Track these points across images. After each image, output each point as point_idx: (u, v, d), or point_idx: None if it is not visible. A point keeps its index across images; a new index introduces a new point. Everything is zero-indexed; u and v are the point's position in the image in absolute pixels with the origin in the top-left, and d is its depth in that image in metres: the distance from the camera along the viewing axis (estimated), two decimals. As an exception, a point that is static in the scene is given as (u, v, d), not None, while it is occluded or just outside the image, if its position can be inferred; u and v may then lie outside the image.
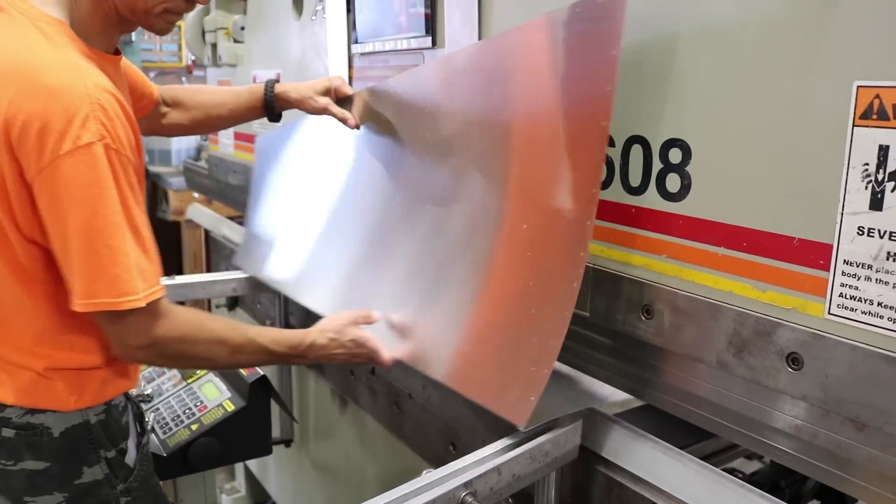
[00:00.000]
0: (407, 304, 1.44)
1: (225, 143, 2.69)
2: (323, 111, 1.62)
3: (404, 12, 1.56)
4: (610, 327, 1.17)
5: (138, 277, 1.21)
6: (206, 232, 3.73)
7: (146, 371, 1.70)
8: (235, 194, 2.66)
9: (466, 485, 1.03)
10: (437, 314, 1.38)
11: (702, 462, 1.09)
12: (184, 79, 5.14)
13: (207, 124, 1.80)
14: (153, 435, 1.47)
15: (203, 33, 2.81)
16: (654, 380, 1.15)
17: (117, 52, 1.39)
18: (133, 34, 4.51)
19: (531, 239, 1.18)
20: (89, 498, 1.37)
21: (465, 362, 1.31)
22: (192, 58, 5.20)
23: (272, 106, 1.68)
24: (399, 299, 1.48)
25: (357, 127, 1.59)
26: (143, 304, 1.21)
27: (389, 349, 1.43)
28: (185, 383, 1.61)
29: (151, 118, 1.73)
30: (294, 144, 1.97)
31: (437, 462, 1.50)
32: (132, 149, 1.24)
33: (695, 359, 1.04)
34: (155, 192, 4.55)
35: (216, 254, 2.94)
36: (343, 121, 1.59)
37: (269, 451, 1.64)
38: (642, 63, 1.06)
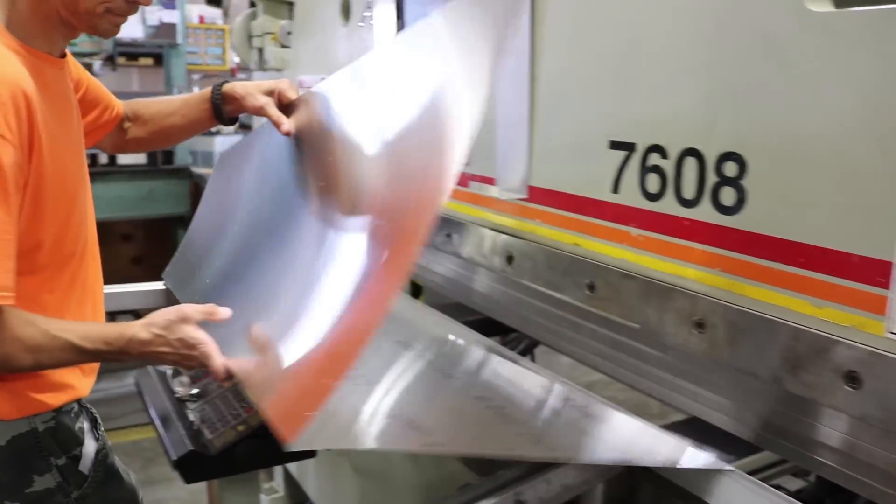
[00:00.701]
0: (262, 319, 1.36)
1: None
2: (259, 111, 1.56)
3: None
4: (660, 340, 1.16)
5: None
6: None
7: (193, 371, 1.72)
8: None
9: (516, 493, 1.03)
10: (272, 330, 1.30)
11: (750, 477, 1.09)
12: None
13: (164, 136, 1.76)
14: (201, 433, 1.48)
15: (250, 38, 2.84)
16: (704, 394, 1.14)
17: (63, 56, 1.38)
18: (179, 38, 4.57)
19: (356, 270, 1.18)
20: None
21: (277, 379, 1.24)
22: (237, 61, 5.27)
23: (219, 106, 1.62)
24: (257, 314, 1.39)
25: (289, 133, 1.52)
26: None
27: (230, 358, 1.27)
28: (231, 383, 1.62)
29: (116, 134, 1.71)
30: (242, 157, 1.93)
31: (479, 468, 1.51)
32: (20, 149, 1.22)
33: (747, 373, 1.03)
34: (198, 192, 4.61)
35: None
36: (276, 124, 1.53)
37: (313, 454, 1.65)
38: (697, 74, 1.06)
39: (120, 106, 1.70)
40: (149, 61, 5.72)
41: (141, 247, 5.05)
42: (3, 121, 1.18)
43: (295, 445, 1.02)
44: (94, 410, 1.51)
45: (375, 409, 1.24)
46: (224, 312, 1.32)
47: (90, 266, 1.46)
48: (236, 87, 1.60)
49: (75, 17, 1.32)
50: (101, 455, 1.46)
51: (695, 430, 1.26)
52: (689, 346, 1.11)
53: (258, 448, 1.46)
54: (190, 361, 1.29)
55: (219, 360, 1.26)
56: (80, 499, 1.40)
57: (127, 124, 1.73)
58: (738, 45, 1.01)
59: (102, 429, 1.52)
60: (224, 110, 1.62)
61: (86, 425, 1.44)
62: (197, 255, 1.76)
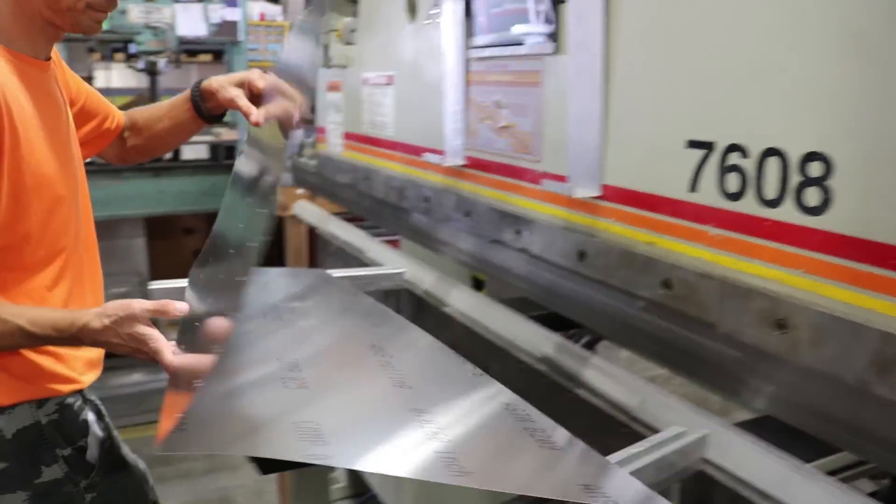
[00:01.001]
0: None
1: (334, 142, 2.75)
2: (230, 102, 1.56)
3: (524, 17, 1.57)
4: (738, 339, 1.15)
5: None
6: (311, 229, 3.82)
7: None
8: (344, 192, 2.71)
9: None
10: None
11: (836, 481, 1.07)
12: (287, 77, 5.25)
13: (159, 141, 1.77)
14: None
15: (314, 35, 2.87)
16: (784, 394, 1.12)
17: (48, 59, 1.44)
18: (240, 35, 4.63)
19: None
20: (52, 495, 1.42)
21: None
22: (296, 56, 5.32)
23: (199, 104, 1.63)
24: None
25: (258, 124, 1.50)
26: None
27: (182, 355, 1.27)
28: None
29: (118, 144, 1.75)
30: None
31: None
32: None
33: (831, 376, 1.02)
34: (260, 188, 4.68)
35: (322, 251, 3.01)
36: (245, 115, 1.52)
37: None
38: (780, 71, 1.05)
39: (121, 116, 1.75)
40: (208, 57, 5.81)
41: (202, 240, 5.12)
42: None
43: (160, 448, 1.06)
44: (98, 402, 1.56)
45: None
46: (176, 307, 1.31)
47: (85, 259, 1.51)
48: (212, 81, 1.61)
49: (58, 15, 1.36)
50: (107, 445, 1.51)
51: (767, 429, 1.25)
52: (768, 347, 1.09)
53: (332, 443, 1.48)
54: (141, 355, 1.29)
55: (168, 357, 1.26)
56: (89, 487, 1.46)
57: (126, 133, 1.77)
58: (826, 42, 0.99)
59: (108, 419, 1.57)
60: (203, 108, 1.64)
61: (90, 416, 1.49)
62: None
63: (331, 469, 2.23)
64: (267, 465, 1.49)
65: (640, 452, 1.14)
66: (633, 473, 1.09)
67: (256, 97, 1.55)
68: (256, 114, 1.50)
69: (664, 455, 1.14)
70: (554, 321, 1.71)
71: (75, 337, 1.33)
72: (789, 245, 1.06)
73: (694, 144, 1.19)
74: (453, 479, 1.02)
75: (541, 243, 1.57)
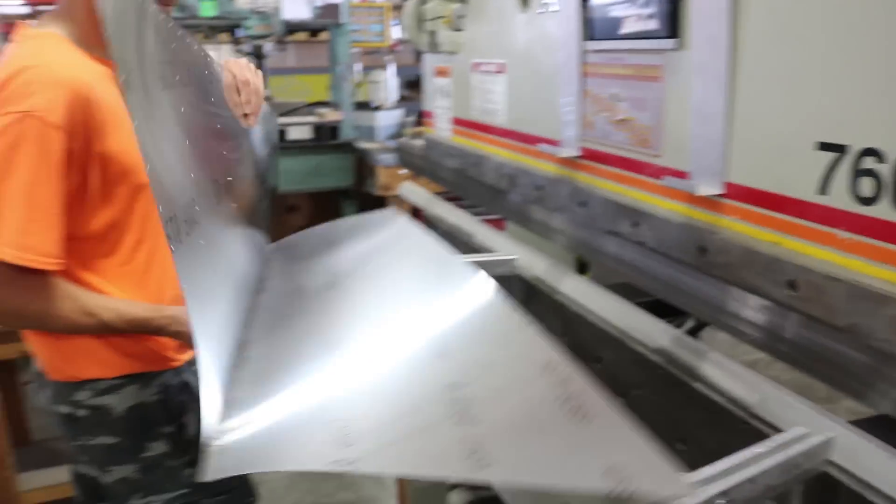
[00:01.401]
0: None
1: (442, 126, 2.79)
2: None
3: (644, 9, 1.57)
4: (867, 343, 1.15)
5: (7, 236, 1.37)
6: (415, 209, 3.88)
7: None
8: (449, 175, 2.76)
9: (724, 493, 1.06)
10: None
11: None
12: (387, 58, 5.32)
13: None
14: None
15: (421, 21, 2.91)
16: (915, 400, 1.12)
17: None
18: (343, 17, 4.71)
19: None
20: (159, 468, 1.55)
21: None
22: (396, 37, 5.39)
23: None
24: None
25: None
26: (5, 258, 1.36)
27: None
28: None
29: None
30: None
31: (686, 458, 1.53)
32: (80, 136, 1.41)
33: (968, 385, 1.01)
34: (362, 167, 4.77)
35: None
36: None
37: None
38: (923, 79, 1.03)
39: None
40: (304, 36, 5.92)
41: (307, 217, 5.29)
42: (57, 112, 1.34)
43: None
44: (194, 382, 1.66)
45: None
46: None
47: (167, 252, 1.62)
48: None
49: None
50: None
51: (883, 427, 1.24)
52: (899, 352, 1.09)
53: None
54: None
55: None
56: (190, 462, 1.56)
57: None
58: (971, 50, 0.97)
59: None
60: None
61: (188, 396, 1.60)
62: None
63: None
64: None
65: (765, 453, 1.16)
66: (758, 475, 1.11)
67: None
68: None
69: (789, 457, 1.15)
70: (657, 307, 1.72)
71: (161, 328, 1.50)
72: (927, 252, 1.05)
73: (825, 147, 1.18)
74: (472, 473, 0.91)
75: (659, 237, 1.58)
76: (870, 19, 1.10)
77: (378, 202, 4.60)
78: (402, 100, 5.60)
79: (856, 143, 1.14)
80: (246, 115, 1.67)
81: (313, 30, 5.49)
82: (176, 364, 1.63)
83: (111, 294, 1.53)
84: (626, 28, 1.64)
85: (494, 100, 2.31)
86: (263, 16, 4.27)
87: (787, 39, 1.25)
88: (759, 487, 1.11)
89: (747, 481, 1.09)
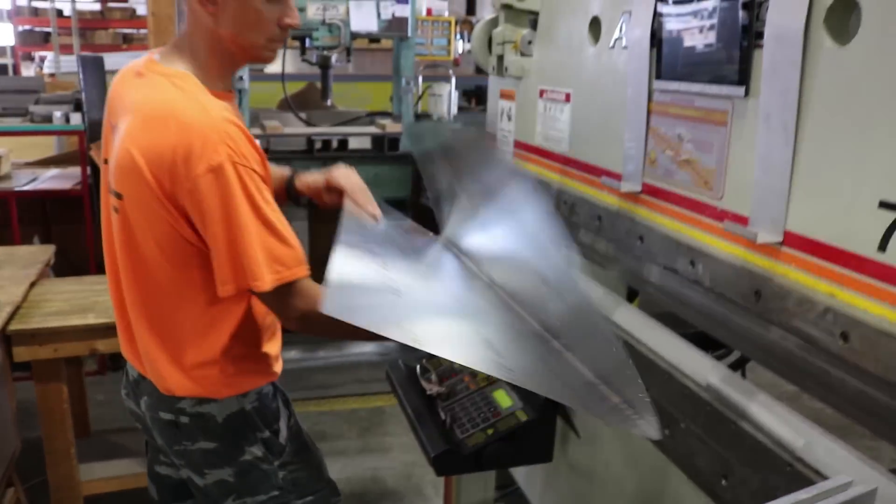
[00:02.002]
0: None
1: (503, 149, 2.85)
2: (335, 205, 1.84)
3: (715, 56, 1.61)
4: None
5: (266, 266, 1.49)
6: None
7: (440, 370, 1.89)
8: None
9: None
10: None
11: None
12: (451, 71, 5.40)
13: None
14: (451, 433, 1.64)
15: (489, 44, 2.98)
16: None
17: (230, 91, 1.71)
18: (409, 31, 4.79)
19: None
20: (254, 471, 1.64)
21: None
22: (460, 51, 5.46)
23: (290, 187, 1.94)
24: None
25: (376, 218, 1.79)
26: (269, 288, 1.43)
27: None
28: (477, 387, 1.78)
29: None
30: None
31: (709, 491, 1.57)
32: (257, 162, 1.53)
33: None
34: (419, 179, 4.84)
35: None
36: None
37: (550, 459, 1.78)
38: None
39: None
40: (363, 42, 6.02)
41: (361, 225, 5.35)
42: (244, 154, 1.45)
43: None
44: (284, 390, 1.75)
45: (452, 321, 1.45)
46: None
47: None
48: (304, 179, 1.95)
49: (244, 51, 1.63)
50: (294, 429, 1.71)
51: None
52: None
53: (505, 450, 1.60)
54: None
55: None
56: (282, 465, 1.67)
57: None
58: None
59: (292, 406, 1.77)
60: (293, 191, 1.97)
61: (279, 404, 1.69)
62: None
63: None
64: (443, 470, 1.63)
65: (808, 499, 1.19)
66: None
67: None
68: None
69: (832, 505, 1.19)
70: (702, 340, 1.76)
71: None
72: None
73: (886, 206, 1.22)
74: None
75: (716, 277, 1.62)
76: (938, 87, 1.14)
77: (432, 214, 4.67)
78: (461, 110, 5.68)
79: (917, 205, 1.17)
80: (374, 216, 1.86)
81: (374, 39, 5.60)
82: (273, 378, 1.73)
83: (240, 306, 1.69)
84: (696, 71, 1.68)
85: (558, 127, 2.36)
86: (332, 27, 4.38)
87: (855, 97, 1.29)
88: (799, 528, 1.15)
89: (787, 520, 1.13)
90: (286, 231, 1.55)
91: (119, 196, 1.58)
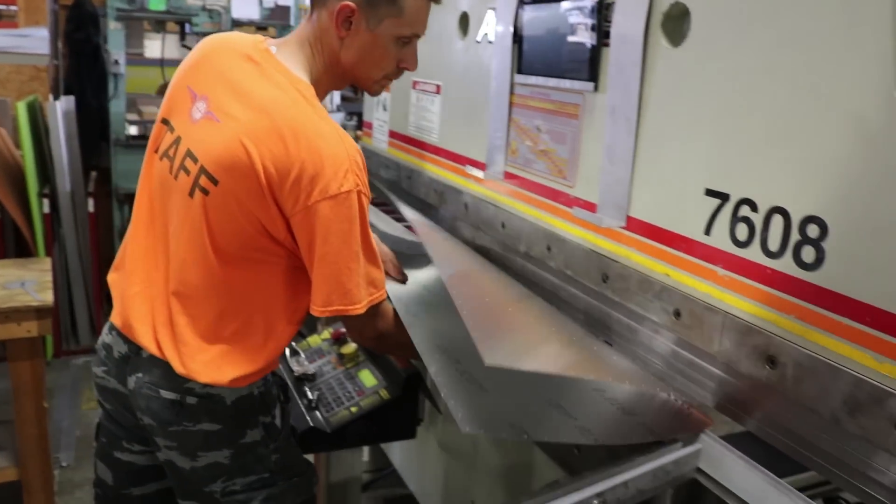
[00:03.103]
0: None
1: (379, 138, 2.91)
2: None
3: (568, 53, 1.72)
4: (734, 368, 1.31)
5: (364, 289, 1.50)
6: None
7: (309, 352, 1.93)
8: (385, 187, 2.88)
9: (599, 495, 1.20)
10: None
11: (806, 499, 1.23)
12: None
13: None
14: (316, 412, 1.69)
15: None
16: (769, 419, 1.28)
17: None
18: (291, 20, 4.79)
19: None
20: (249, 454, 1.64)
21: None
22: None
23: None
24: None
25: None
26: (363, 310, 1.46)
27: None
28: (343, 368, 1.83)
29: None
30: None
31: (562, 462, 1.68)
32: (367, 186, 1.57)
33: (810, 410, 1.17)
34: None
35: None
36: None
37: (413, 436, 1.85)
38: (792, 140, 1.20)
39: None
40: (251, 30, 5.96)
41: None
42: (366, 183, 1.51)
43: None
44: (284, 377, 1.78)
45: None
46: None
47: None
48: None
49: (356, 80, 1.64)
50: (287, 414, 1.72)
51: (749, 444, 1.40)
52: (760, 378, 1.25)
53: (369, 428, 1.66)
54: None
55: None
56: (276, 450, 1.67)
57: None
58: (831, 120, 1.14)
59: (290, 390, 1.78)
60: None
61: (277, 389, 1.71)
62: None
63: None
64: (308, 447, 1.67)
65: (640, 460, 1.31)
66: (633, 480, 1.26)
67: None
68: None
69: (660, 464, 1.30)
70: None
71: None
72: (786, 293, 1.21)
73: (711, 193, 1.34)
74: None
75: (569, 261, 1.73)
76: (752, 89, 1.26)
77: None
78: (346, 100, 5.69)
79: (736, 193, 1.30)
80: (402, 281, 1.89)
81: (259, 26, 5.54)
82: (275, 367, 1.73)
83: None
84: (552, 67, 1.78)
85: (430, 118, 2.44)
86: (213, 13, 4.33)
87: (687, 96, 1.41)
88: (631, 491, 1.26)
89: (621, 485, 1.24)
90: (378, 255, 1.60)
91: (214, 181, 1.52)
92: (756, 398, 1.30)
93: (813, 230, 1.16)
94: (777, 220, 1.22)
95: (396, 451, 2.91)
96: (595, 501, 1.20)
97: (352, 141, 1.53)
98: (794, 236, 1.19)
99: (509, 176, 1.98)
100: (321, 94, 1.62)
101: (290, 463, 1.71)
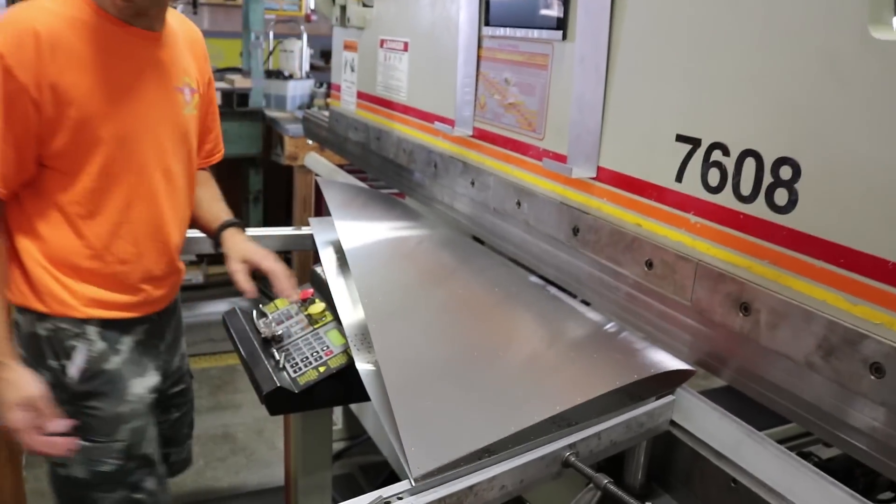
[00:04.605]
0: None
1: (347, 100, 2.85)
2: (232, 274, 1.88)
3: (536, 3, 1.67)
4: (709, 317, 1.28)
5: None
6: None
7: (276, 314, 1.89)
8: (354, 149, 2.83)
9: (571, 446, 1.18)
10: None
11: (780, 447, 1.21)
12: (302, 27, 5.31)
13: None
14: (283, 373, 1.65)
15: (334, -6, 2.95)
16: (744, 368, 1.26)
17: (147, 29, 1.73)
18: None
19: None
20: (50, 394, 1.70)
21: None
22: (311, 7, 5.38)
23: (217, 244, 2.00)
24: None
25: (246, 293, 1.84)
26: None
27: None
28: (312, 328, 1.79)
29: None
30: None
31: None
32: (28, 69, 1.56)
33: (784, 355, 1.15)
34: (270, 135, 4.77)
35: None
36: (243, 290, 1.84)
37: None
38: (762, 82, 1.16)
39: (214, 156, 2.22)
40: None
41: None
42: (11, 51, 1.48)
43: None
44: (100, 340, 1.81)
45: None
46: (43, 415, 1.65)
47: (145, 211, 1.81)
48: (227, 242, 1.97)
49: None
50: (88, 374, 1.71)
51: (729, 398, 1.39)
52: (734, 326, 1.23)
53: (336, 388, 1.62)
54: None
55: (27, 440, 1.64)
56: (67, 402, 1.67)
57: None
58: (803, 61, 1.10)
59: (109, 356, 1.76)
60: (217, 245, 2.01)
61: (81, 345, 1.69)
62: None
63: (330, 410, 2.39)
64: (276, 409, 1.64)
65: (614, 413, 1.28)
66: (605, 431, 1.24)
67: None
68: (249, 292, 1.83)
69: (633, 416, 1.28)
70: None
71: None
72: (758, 238, 1.18)
73: (682, 139, 1.31)
74: None
75: (539, 216, 1.69)
76: (723, 31, 1.23)
77: (285, 171, 4.62)
78: (315, 69, 5.61)
79: (707, 138, 1.26)
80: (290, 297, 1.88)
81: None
82: (75, 314, 1.72)
83: (49, 234, 1.69)
84: (520, 17, 1.73)
85: (398, 77, 2.38)
86: (178, -23, 4.23)
87: (656, 41, 1.37)
88: (604, 443, 1.24)
89: (594, 436, 1.22)
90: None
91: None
92: (730, 347, 1.28)
93: (786, 172, 1.13)
94: (749, 164, 1.19)
95: (370, 418, 2.88)
96: (567, 453, 1.17)
97: (41, 9, 1.60)
98: (767, 179, 1.16)
99: (478, 131, 1.94)
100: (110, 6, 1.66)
101: (92, 426, 1.77)
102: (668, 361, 1.36)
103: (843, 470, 1.58)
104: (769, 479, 1.19)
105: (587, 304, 1.64)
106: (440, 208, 2.21)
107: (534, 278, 1.78)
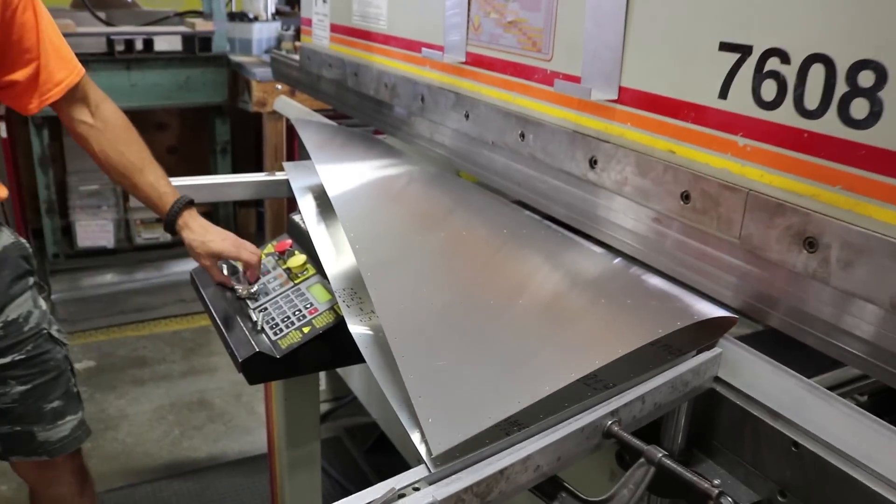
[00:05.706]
0: None
1: (320, 35, 2.61)
2: (206, 269, 1.71)
3: None
4: (763, 256, 1.10)
5: None
6: (290, 126, 3.69)
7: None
8: (329, 88, 2.60)
9: (613, 413, 0.99)
10: None
11: (852, 405, 1.04)
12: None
13: (117, 177, 1.76)
14: (262, 335, 1.45)
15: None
16: (807, 314, 1.08)
17: None
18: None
19: None
20: None
21: None
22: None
23: (172, 220, 1.71)
24: None
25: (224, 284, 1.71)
26: None
27: None
28: (292, 283, 1.59)
29: (61, 108, 1.75)
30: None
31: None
32: None
33: (863, 298, 0.97)
34: (236, 81, 4.50)
35: (302, 149, 2.90)
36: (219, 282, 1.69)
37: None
38: (835, -29, 0.96)
39: (67, 78, 1.76)
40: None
41: (176, 136, 4.98)
42: None
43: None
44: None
45: None
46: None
47: None
48: (187, 235, 1.70)
49: None
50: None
51: (768, 343, 1.20)
52: (794, 265, 1.04)
53: (323, 351, 1.43)
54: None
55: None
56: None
57: (89, 119, 1.74)
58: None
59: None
60: (168, 224, 1.72)
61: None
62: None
63: (316, 375, 2.20)
64: (255, 377, 1.44)
65: (656, 372, 1.10)
66: (650, 393, 1.05)
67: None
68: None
69: (678, 374, 1.09)
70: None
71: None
72: (828, 160, 0.99)
73: (727, 47, 1.11)
74: None
75: (548, 148, 1.49)
76: None
77: (253, 118, 4.35)
78: (280, 14, 5.31)
79: (760, 44, 1.06)
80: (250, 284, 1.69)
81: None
82: None
83: None
84: (519, -78, 1.51)
85: (376, 4, 2.15)
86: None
87: (691, -69, 1.16)
88: (648, 406, 1.05)
89: (637, 400, 1.03)
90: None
91: None
92: (787, 290, 1.09)
93: (866, 78, 0.93)
94: (817, 71, 0.99)
95: (356, 378, 2.71)
96: (609, 421, 0.98)
97: None
98: (841, 88, 0.96)
99: (472, 57, 1.72)
100: None
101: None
102: (710, 308, 1.17)
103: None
104: (839, 441, 1.01)
105: (607, 246, 1.45)
106: (426, 146, 2.00)
107: (538, 218, 1.58)
